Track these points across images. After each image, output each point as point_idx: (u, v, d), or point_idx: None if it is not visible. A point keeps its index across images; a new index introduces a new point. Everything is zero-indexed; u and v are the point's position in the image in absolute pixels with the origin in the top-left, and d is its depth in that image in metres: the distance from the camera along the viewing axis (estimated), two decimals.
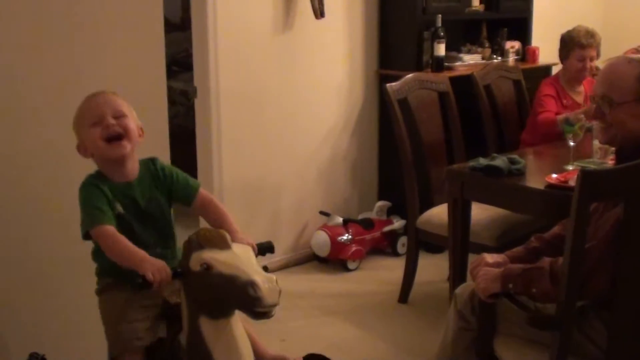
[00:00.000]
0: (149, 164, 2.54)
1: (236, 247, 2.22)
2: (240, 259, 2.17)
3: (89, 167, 3.03)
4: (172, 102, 4.98)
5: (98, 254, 2.45)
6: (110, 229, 2.33)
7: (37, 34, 2.96)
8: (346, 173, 5.19)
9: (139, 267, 2.22)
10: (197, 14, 4.31)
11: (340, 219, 4.87)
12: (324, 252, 4.81)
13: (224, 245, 2.19)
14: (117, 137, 2.41)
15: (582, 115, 3.61)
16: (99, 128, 2.40)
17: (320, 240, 4.81)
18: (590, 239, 2.39)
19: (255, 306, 2.09)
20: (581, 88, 4.57)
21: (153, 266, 2.21)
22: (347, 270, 4.78)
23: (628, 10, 6.81)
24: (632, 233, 2.34)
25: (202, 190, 2.58)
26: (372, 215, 5.05)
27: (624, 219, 2.33)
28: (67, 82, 3.03)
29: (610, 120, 2.59)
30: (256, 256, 2.32)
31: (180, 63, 5.98)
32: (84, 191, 2.41)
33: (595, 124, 2.75)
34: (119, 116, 2.42)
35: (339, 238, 4.77)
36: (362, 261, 4.87)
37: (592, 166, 3.36)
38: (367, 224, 4.94)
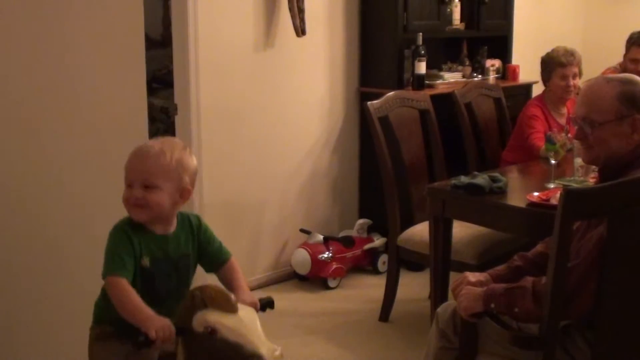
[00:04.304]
0: (189, 220, 2.49)
1: (242, 310, 2.16)
2: (246, 325, 2.11)
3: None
4: (152, 119, 4.95)
5: (105, 300, 2.37)
6: (124, 281, 2.26)
7: (18, 51, 2.93)
8: (327, 191, 5.17)
9: (143, 324, 2.15)
10: (178, 31, 4.29)
11: (321, 237, 4.85)
12: (304, 270, 4.78)
13: (230, 308, 2.12)
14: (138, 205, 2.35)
15: (564, 134, 3.62)
16: (127, 190, 2.35)
17: (301, 258, 4.78)
18: (573, 257, 2.39)
19: None
20: (564, 110, 4.58)
21: (157, 324, 2.14)
22: (328, 288, 4.76)
23: (607, 30, 6.87)
24: (616, 252, 2.34)
25: (232, 259, 2.55)
26: (353, 233, 5.03)
27: (608, 238, 2.33)
28: (46, 99, 3.00)
29: (592, 141, 2.60)
30: (257, 312, 2.29)
31: (161, 80, 5.95)
32: (114, 236, 2.34)
33: (576, 144, 2.75)
34: (150, 187, 2.33)
35: (320, 256, 4.75)
36: (343, 279, 4.85)
37: (574, 184, 3.37)
38: (348, 242, 4.92)
